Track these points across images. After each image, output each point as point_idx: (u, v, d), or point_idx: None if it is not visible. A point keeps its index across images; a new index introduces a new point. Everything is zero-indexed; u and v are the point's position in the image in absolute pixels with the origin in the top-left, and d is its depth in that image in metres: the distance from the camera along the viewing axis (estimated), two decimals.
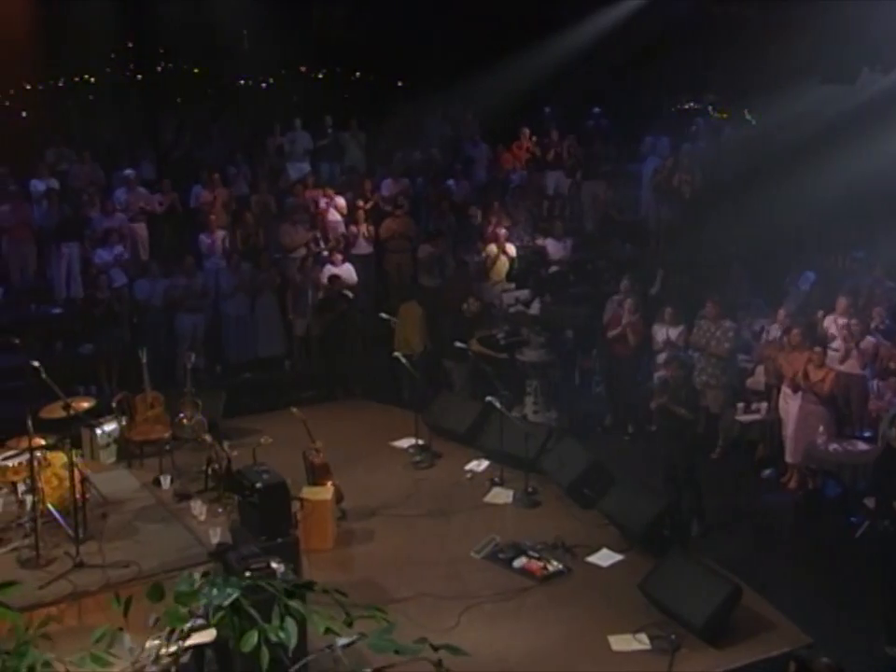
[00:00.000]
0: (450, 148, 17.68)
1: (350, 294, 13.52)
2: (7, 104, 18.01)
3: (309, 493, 9.31)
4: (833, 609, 8.21)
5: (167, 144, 17.58)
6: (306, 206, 14.87)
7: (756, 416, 11.19)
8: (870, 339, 10.72)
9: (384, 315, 12.81)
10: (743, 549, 9.25)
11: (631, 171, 17.09)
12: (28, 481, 8.68)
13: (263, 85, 20.05)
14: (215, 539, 8.73)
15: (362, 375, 13.48)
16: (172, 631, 4.33)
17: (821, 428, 10.15)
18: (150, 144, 17.16)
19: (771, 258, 13.97)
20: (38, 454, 8.71)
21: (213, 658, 6.77)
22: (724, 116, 17.90)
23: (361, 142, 17.19)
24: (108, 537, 8.97)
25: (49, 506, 8.75)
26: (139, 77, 19.81)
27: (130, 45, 19.19)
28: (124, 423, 10.86)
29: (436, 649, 2.86)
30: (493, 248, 14.30)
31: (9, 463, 9.07)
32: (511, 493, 10.27)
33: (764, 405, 11.13)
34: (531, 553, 9.02)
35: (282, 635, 2.73)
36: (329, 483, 9.65)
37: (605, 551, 9.13)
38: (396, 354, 11.57)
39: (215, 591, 2.74)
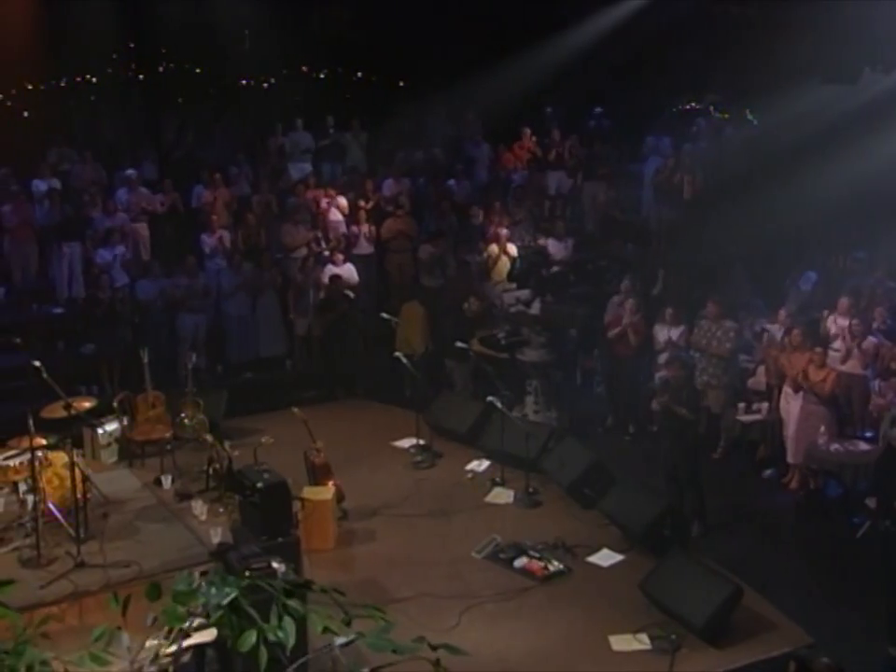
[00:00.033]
0: (451, 148, 17.69)
1: (351, 294, 13.54)
2: (9, 104, 17.98)
3: (310, 493, 9.32)
4: (834, 609, 8.22)
5: (169, 144, 17.59)
6: (308, 206, 14.88)
7: (757, 416, 11.20)
8: (871, 339, 10.72)
9: (385, 315, 12.82)
10: (744, 549, 9.25)
11: (632, 171, 17.09)
12: (29, 480, 8.69)
13: (265, 85, 20.01)
14: (216, 539, 8.73)
15: (363, 375, 13.49)
16: (172, 631, 4.34)
17: (822, 429, 10.15)
18: (152, 144, 17.18)
19: (772, 258, 13.96)
20: (39, 453, 8.73)
21: (214, 658, 6.79)
22: (726, 116, 17.87)
23: (363, 142, 17.20)
24: (109, 536, 8.97)
25: (51, 505, 8.77)
26: (141, 77, 19.79)
27: (131, 45, 19.15)
28: (125, 422, 10.89)
29: (434, 648, 2.86)
30: (494, 248, 14.29)
31: (11, 463, 9.09)
32: (511, 493, 10.28)
33: (766, 405, 11.13)
34: (532, 552, 9.03)
35: (280, 634, 2.74)
36: (331, 483, 9.66)
37: (605, 551, 9.14)
38: (397, 354, 11.57)
39: (213, 590, 2.75)
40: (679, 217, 15.53)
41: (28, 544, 8.62)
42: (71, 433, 9.03)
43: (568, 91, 17.99)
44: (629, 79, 17.72)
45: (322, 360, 13.67)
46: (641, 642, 7.75)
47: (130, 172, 15.08)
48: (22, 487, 8.96)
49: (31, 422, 8.49)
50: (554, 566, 8.86)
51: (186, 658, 6.40)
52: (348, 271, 13.83)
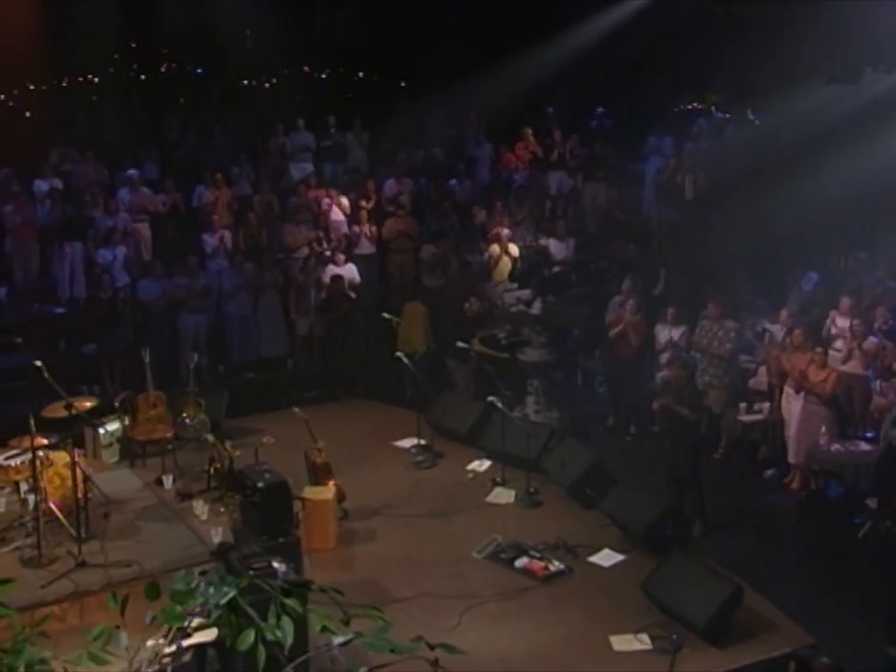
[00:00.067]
0: (453, 148, 17.68)
1: (353, 294, 13.55)
2: (11, 104, 18.01)
3: (311, 492, 9.32)
4: (835, 609, 8.21)
5: (170, 144, 17.58)
6: (309, 206, 14.88)
7: (758, 417, 11.19)
8: (872, 339, 10.71)
9: (386, 316, 12.81)
10: (745, 549, 9.25)
11: (634, 171, 17.08)
12: (30, 480, 8.71)
13: (266, 85, 20.04)
14: (216, 539, 8.75)
15: (364, 375, 13.49)
16: (172, 630, 4.34)
17: (823, 429, 10.14)
18: (154, 144, 17.16)
19: (774, 258, 13.95)
20: (41, 453, 8.74)
21: (215, 657, 6.79)
22: (727, 116, 17.87)
23: (364, 142, 17.20)
24: (110, 536, 9.00)
25: (52, 505, 8.78)
26: (143, 77, 19.83)
27: (133, 45, 19.19)
28: (127, 422, 10.90)
29: (432, 648, 2.86)
30: (495, 248, 14.29)
31: (12, 462, 9.12)
32: (512, 493, 10.28)
33: (767, 405, 11.12)
34: (533, 552, 9.02)
35: (278, 633, 2.74)
36: (331, 483, 9.66)
37: (606, 551, 9.14)
38: (398, 354, 11.57)
39: (211, 589, 2.75)
40: (681, 218, 15.52)
41: (29, 544, 8.65)
42: (72, 433, 9.03)
43: (570, 91, 18.00)
44: (631, 79, 17.73)
45: (323, 360, 13.67)
46: (642, 642, 7.75)
47: (131, 172, 15.08)
48: (24, 487, 8.99)
49: (32, 421, 8.51)
50: (555, 566, 8.86)
51: (187, 658, 6.43)
52: (349, 271, 13.84)
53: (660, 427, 10.83)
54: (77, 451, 8.83)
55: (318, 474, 9.71)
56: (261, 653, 2.73)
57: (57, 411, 9.02)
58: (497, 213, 14.93)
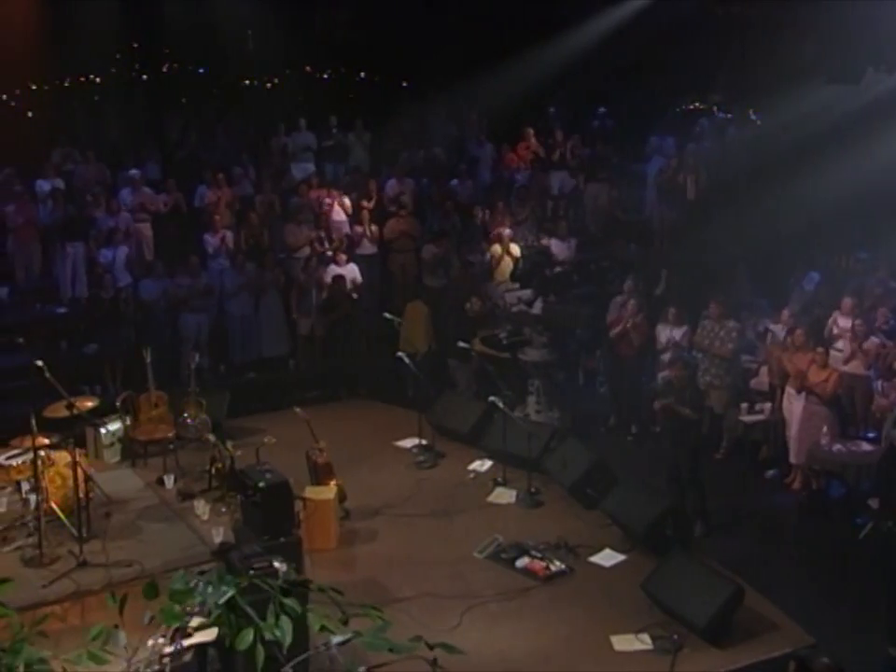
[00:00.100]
0: (454, 148, 17.69)
1: (354, 294, 13.55)
2: (13, 104, 18.03)
3: (312, 492, 9.33)
4: (835, 609, 8.21)
5: (172, 144, 17.61)
6: (311, 206, 14.89)
7: (760, 417, 11.18)
8: (874, 339, 10.70)
9: (387, 316, 12.82)
10: (746, 549, 9.24)
11: (636, 171, 17.09)
12: (32, 480, 8.72)
13: (268, 85, 20.05)
14: (218, 539, 8.77)
15: (366, 375, 13.50)
16: (173, 631, 4.35)
17: (825, 429, 10.13)
18: (155, 144, 17.19)
19: (775, 258, 13.94)
20: (42, 453, 8.75)
21: (215, 657, 6.80)
22: (729, 116, 17.87)
23: (366, 142, 17.20)
24: (112, 536, 9.00)
25: (53, 505, 8.79)
26: (144, 77, 19.83)
27: (135, 45, 19.21)
28: (128, 422, 10.91)
29: (431, 647, 2.86)
30: (497, 248, 14.29)
31: (13, 462, 9.14)
32: (513, 493, 10.28)
33: (768, 405, 11.12)
34: (534, 552, 9.02)
35: (277, 633, 2.74)
36: (333, 483, 9.66)
37: (607, 551, 9.13)
38: (399, 354, 11.57)
39: (210, 589, 2.75)
40: (683, 218, 15.53)
41: (30, 543, 8.66)
42: (74, 433, 9.04)
43: (572, 91, 18.02)
44: (632, 79, 17.74)
45: (325, 360, 13.68)
46: (643, 642, 7.75)
47: (133, 172, 15.10)
48: (25, 486, 9.01)
49: (33, 421, 8.52)
50: (556, 566, 8.86)
51: (188, 657, 6.44)
52: (351, 271, 13.84)
53: (661, 428, 10.83)
54: (78, 450, 8.83)
55: (320, 474, 9.71)
56: (260, 653, 2.73)
57: (58, 410, 9.04)
58: (498, 213, 14.94)
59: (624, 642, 7.77)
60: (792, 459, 10.49)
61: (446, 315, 13.33)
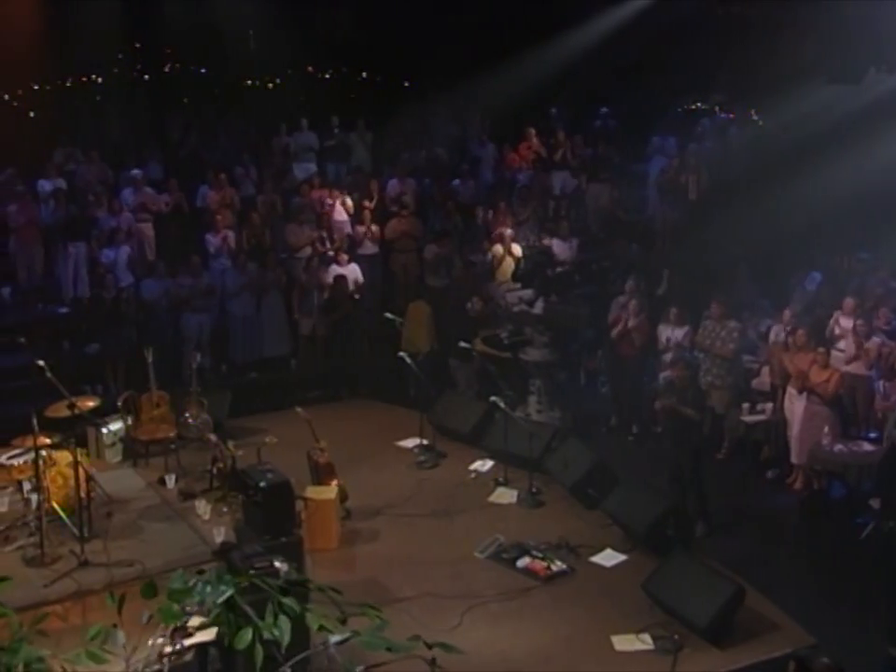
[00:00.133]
0: (456, 149, 17.69)
1: (356, 294, 13.55)
2: (15, 104, 18.05)
3: (313, 492, 9.33)
4: (836, 609, 8.20)
5: (174, 144, 17.62)
6: (312, 206, 14.89)
7: (761, 417, 11.18)
8: (875, 339, 10.70)
9: (388, 316, 12.82)
10: (747, 549, 9.24)
11: (637, 171, 17.09)
12: (33, 479, 8.73)
13: (270, 85, 20.07)
14: (219, 539, 8.77)
15: (367, 375, 13.50)
16: (173, 630, 4.36)
17: (826, 429, 10.13)
18: (157, 144, 17.19)
19: (777, 258, 13.93)
20: (44, 452, 8.76)
21: (216, 656, 6.80)
22: (731, 116, 17.87)
23: (368, 142, 17.20)
24: (113, 535, 9.00)
25: (55, 505, 8.80)
26: (146, 77, 19.89)
27: (137, 45, 19.26)
28: (130, 422, 10.91)
29: (430, 647, 2.86)
30: (499, 248, 14.29)
31: (15, 462, 9.14)
32: (515, 493, 10.28)
33: (770, 406, 11.11)
34: (535, 552, 9.02)
35: (275, 632, 2.75)
36: (334, 483, 9.67)
37: (608, 551, 9.13)
38: (401, 353, 11.58)
39: (208, 588, 2.76)
40: (684, 218, 15.52)
41: (32, 543, 8.66)
42: (75, 432, 9.05)
43: (573, 92, 18.01)
44: (634, 79, 17.74)
45: (326, 360, 13.69)
46: (644, 642, 7.75)
47: (135, 172, 15.11)
48: (26, 486, 9.02)
49: (35, 421, 8.53)
50: (557, 566, 8.85)
51: (189, 656, 6.45)
52: (353, 271, 13.85)
53: (662, 428, 10.83)
54: (79, 450, 8.84)
55: (321, 474, 9.72)
56: (259, 652, 2.74)
57: (60, 410, 9.04)
58: (500, 213, 14.94)
59: (625, 642, 7.77)
60: (794, 459, 10.48)
61: (448, 315, 13.33)
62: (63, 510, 8.83)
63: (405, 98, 18.27)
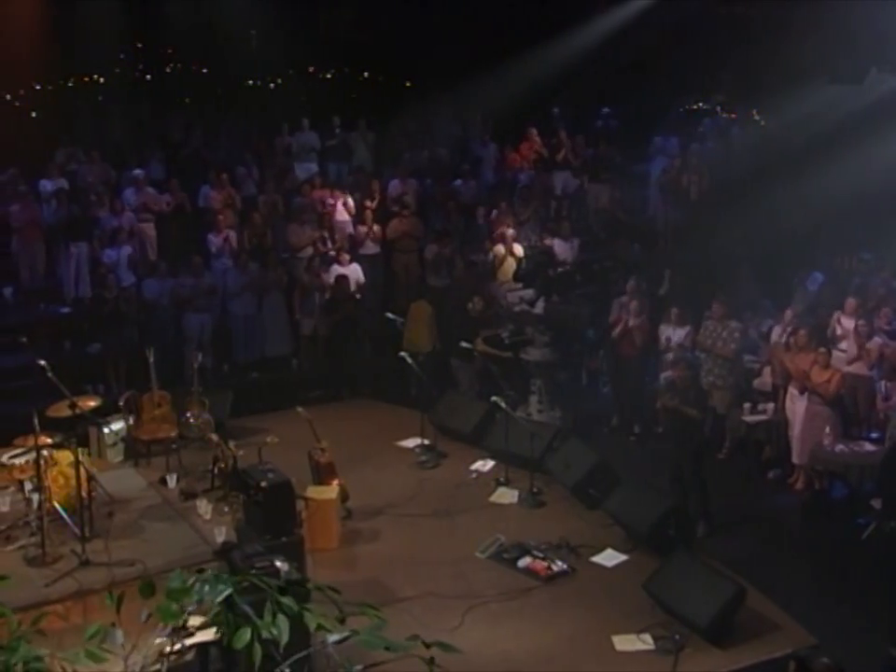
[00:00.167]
0: (458, 149, 17.70)
1: (357, 294, 13.55)
2: (17, 104, 18.07)
3: (314, 492, 9.34)
4: (838, 610, 8.19)
5: (175, 144, 17.63)
6: (314, 206, 14.90)
7: (762, 417, 11.17)
8: (876, 339, 10.69)
9: (390, 316, 12.82)
10: (748, 549, 9.24)
11: (639, 171, 17.08)
12: (35, 479, 8.73)
13: (271, 85, 20.08)
14: (220, 538, 8.78)
15: (368, 375, 13.51)
16: (174, 630, 4.35)
17: (828, 429, 10.13)
18: (159, 144, 17.20)
19: (778, 258, 13.93)
20: (45, 452, 8.77)
21: (217, 656, 6.81)
22: (733, 116, 17.87)
23: (369, 142, 17.20)
24: (114, 535, 9.01)
25: (56, 504, 8.80)
26: (148, 77, 19.90)
27: (139, 45, 19.27)
28: (131, 422, 10.91)
29: (428, 646, 2.86)
30: (500, 249, 14.29)
31: (16, 461, 9.15)
32: (516, 493, 10.27)
33: (771, 406, 11.10)
34: (536, 552, 9.02)
35: (274, 631, 2.75)
36: (335, 483, 9.67)
37: (609, 551, 9.13)
38: (402, 353, 11.58)
39: (206, 588, 2.76)
40: (686, 218, 15.53)
41: (33, 542, 8.67)
42: (76, 432, 9.04)
43: (575, 92, 18.00)
44: (636, 80, 17.73)
45: (327, 360, 13.69)
46: (645, 642, 7.74)
47: (137, 172, 15.12)
48: (28, 486, 9.03)
49: (36, 421, 8.53)
50: (558, 566, 8.85)
51: (189, 656, 6.45)
52: (354, 271, 13.85)
53: (664, 428, 10.83)
54: (80, 450, 8.85)
55: (322, 474, 9.72)
56: (257, 651, 2.74)
57: (61, 410, 9.04)
58: (501, 213, 14.94)
59: (626, 642, 7.76)
60: (795, 459, 10.48)
61: (449, 315, 13.34)
62: (65, 508, 8.84)
63: (407, 98, 18.27)
